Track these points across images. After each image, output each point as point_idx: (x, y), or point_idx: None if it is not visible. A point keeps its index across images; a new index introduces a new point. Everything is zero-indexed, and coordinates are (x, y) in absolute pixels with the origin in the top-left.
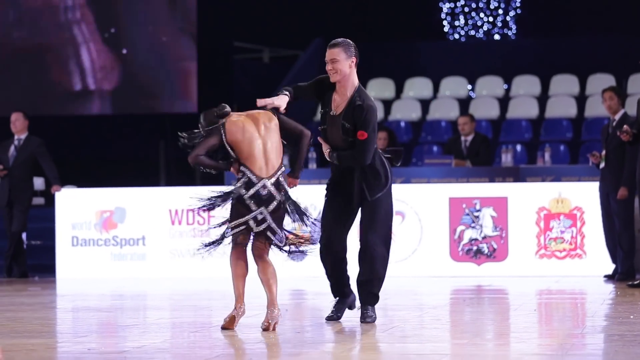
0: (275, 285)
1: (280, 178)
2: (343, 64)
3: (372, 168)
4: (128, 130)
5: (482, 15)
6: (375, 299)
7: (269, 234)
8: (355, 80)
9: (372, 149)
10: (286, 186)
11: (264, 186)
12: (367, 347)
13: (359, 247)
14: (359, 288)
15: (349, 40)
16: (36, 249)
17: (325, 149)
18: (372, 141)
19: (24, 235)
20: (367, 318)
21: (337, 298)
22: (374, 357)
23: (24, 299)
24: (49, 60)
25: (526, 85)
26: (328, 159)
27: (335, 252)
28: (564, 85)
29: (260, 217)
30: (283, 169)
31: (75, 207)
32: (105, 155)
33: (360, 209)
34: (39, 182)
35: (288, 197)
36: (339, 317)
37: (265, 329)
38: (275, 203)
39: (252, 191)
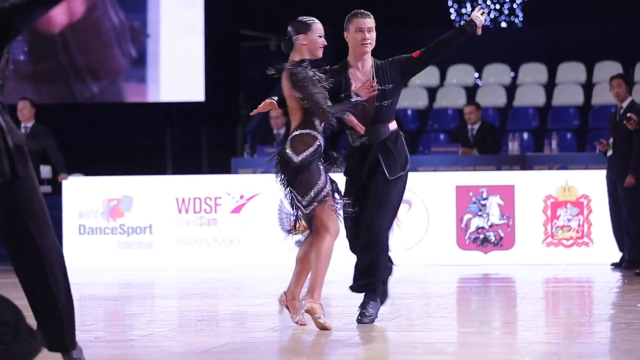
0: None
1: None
2: (375, 34)
3: (395, 145)
4: (135, 119)
5: (489, 2)
6: (378, 293)
7: None
8: None
9: None
10: None
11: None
12: (374, 335)
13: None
14: (360, 278)
15: None
16: None
17: (361, 129)
18: None
19: None
20: (364, 318)
21: None
22: (381, 346)
23: None
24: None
25: (533, 73)
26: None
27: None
28: (571, 72)
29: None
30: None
31: (82, 196)
32: (112, 144)
33: (373, 187)
34: (45, 170)
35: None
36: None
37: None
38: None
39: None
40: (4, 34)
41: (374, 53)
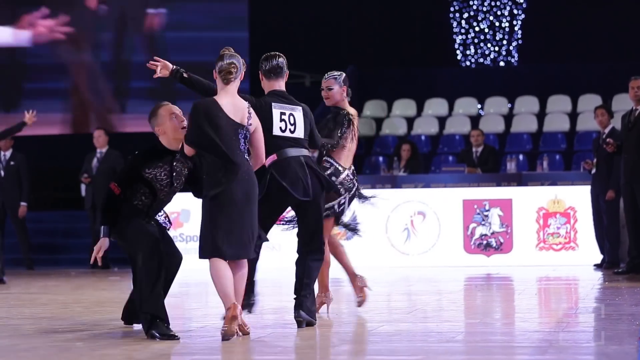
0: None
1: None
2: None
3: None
4: None
5: (489, 45)
6: None
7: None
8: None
9: None
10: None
11: (347, 175)
12: (393, 326)
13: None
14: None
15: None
16: (115, 244)
17: None
18: None
19: None
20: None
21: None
22: (399, 335)
23: (106, 285)
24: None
25: (527, 104)
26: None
27: None
28: (559, 104)
29: (342, 201)
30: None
31: None
32: None
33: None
34: None
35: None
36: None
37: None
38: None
39: (340, 178)
40: None
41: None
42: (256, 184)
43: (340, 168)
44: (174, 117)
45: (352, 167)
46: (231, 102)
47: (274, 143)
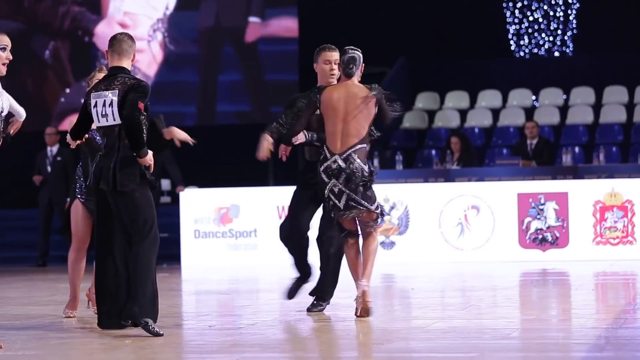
0: (371, 261)
1: (352, 154)
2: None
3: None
4: (242, 138)
5: (543, 35)
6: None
7: (352, 204)
8: None
9: None
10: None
11: (335, 161)
12: (446, 322)
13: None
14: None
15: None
16: (164, 240)
17: None
18: None
19: None
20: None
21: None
22: (453, 332)
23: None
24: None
25: (583, 95)
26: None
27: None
28: (615, 95)
29: (335, 189)
30: (359, 146)
31: (197, 205)
32: (222, 160)
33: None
34: (166, 184)
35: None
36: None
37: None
38: (344, 175)
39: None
40: None
41: (446, 81)
42: None
43: (328, 154)
44: None
45: (349, 151)
46: None
47: None
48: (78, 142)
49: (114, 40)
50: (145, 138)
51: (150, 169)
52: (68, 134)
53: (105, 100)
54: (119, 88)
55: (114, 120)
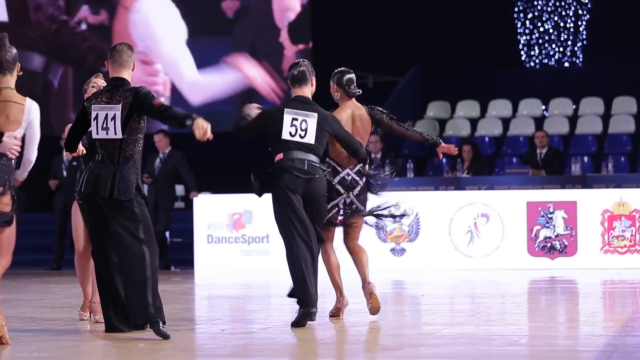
0: (367, 267)
1: (361, 169)
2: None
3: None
4: (254, 144)
5: (553, 45)
6: None
7: (356, 212)
8: None
9: None
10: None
11: (348, 174)
12: (455, 329)
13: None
14: None
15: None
16: (177, 245)
17: None
18: None
19: (167, 234)
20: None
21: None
22: (462, 339)
23: (167, 287)
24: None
25: (592, 105)
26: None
27: None
28: (625, 105)
29: (348, 200)
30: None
31: (210, 210)
32: (235, 166)
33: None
34: (179, 189)
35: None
36: None
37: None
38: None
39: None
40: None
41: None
42: None
43: (339, 168)
44: None
45: (360, 165)
46: None
47: (283, 144)
48: (74, 155)
49: (114, 50)
50: (178, 114)
51: (206, 132)
52: (64, 147)
53: (107, 114)
54: (122, 104)
55: (115, 134)
